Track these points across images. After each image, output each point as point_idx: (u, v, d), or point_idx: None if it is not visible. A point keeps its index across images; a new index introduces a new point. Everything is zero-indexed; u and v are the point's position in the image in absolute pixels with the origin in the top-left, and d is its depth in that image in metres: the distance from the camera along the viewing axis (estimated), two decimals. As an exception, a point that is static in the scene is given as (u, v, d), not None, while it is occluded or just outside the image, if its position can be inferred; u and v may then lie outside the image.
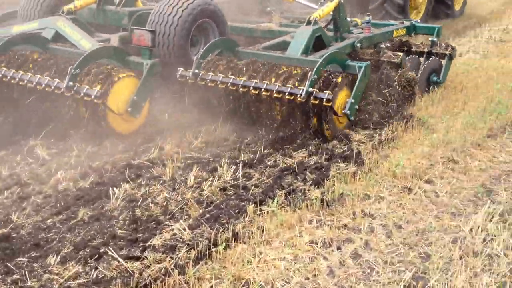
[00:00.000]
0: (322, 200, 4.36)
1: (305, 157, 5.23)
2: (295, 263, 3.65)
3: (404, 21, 8.09)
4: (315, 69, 5.32)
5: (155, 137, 5.70)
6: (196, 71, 5.76)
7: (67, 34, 6.35)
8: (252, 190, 4.58)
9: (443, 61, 7.49)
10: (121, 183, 4.68)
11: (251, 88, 5.47)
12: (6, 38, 6.11)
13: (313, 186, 4.62)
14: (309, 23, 6.40)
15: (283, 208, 4.27)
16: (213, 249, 3.73)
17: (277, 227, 4.02)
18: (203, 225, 4.02)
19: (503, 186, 4.76)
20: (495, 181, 4.89)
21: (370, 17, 7.33)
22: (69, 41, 6.32)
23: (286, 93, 5.31)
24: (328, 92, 5.23)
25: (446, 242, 3.87)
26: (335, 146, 5.45)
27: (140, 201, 4.40)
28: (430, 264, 3.62)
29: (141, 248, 3.75)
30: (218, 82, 5.63)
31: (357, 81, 5.58)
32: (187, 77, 5.81)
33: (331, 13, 6.79)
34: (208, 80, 5.69)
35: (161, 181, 4.75)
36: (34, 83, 5.59)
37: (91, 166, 5.05)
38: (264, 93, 5.42)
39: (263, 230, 3.97)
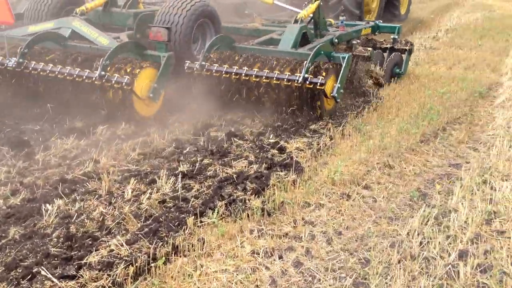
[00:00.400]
0: (262, 210, 4.34)
1: (245, 166, 5.20)
2: (237, 274, 3.60)
3: (370, 22, 9.27)
4: (309, 58, 6.13)
5: (89, 149, 5.51)
6: (203, 62, 6.46)
7: (85, 33, 7.10)
8: (192, 202, 4.50)
9: (404, 56, 8.57)
10: (54, 199, 4.47)
11: (253, 76, 6.24)
12: (31, 37, 6.67)
13: (253, 195, 4.60)
14: (296, 21, 7.31)
15: (223, 219, 4.23)
16: (153, 264, 3.63)
17: (218, 239, 3.97)
18: (141, 240, 3.91)
19: (437, 190, 4.90)
20: (429, 185, 5.03)
21: (344, 18, 8.56)
22: (85, 39, 7.03)
23: (285, 79, 6.09)
24: (321, 77, 6.04)
25: (385, 247, 3.93)
26: (275, 155, 5.47)
27: (75, 217, 4.22)
28: (370, 269, 3.67)
29: (76, 266, 3.59)
30: (223, 72, 6.37)
31: (342, 69, 6.41)
32: (194, 69, 6.50)
33: (311, 14, 7.67)
34: (213, 71, 6.43)
35: (97, 196, 4.59)
36: (65, 74, 6.17)
37: (22, 182, 4.81)
38: (264, 80, 6.20)
39: (204, 242, 3.91)
